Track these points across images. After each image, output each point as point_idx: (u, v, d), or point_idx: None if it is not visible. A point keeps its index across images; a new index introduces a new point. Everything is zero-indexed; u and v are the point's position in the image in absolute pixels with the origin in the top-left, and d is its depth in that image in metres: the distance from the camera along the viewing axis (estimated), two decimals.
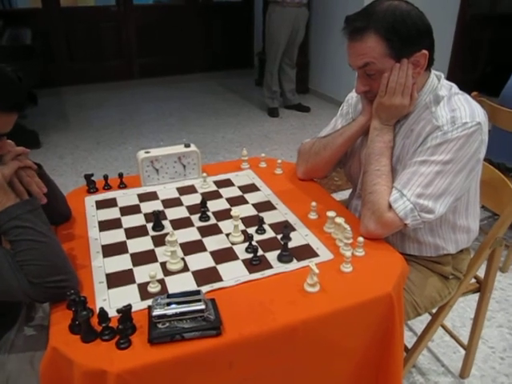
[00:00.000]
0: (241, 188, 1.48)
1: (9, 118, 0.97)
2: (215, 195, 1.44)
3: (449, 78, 1.24)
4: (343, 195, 2.64)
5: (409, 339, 1.80)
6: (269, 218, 1.29)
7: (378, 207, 1.17)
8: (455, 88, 1.23)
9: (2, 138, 1.00)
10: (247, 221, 1.28)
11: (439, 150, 1.13)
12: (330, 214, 1.23)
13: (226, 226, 1.26)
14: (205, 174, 1.49)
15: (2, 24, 4.15)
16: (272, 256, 1.14)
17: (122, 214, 1.33)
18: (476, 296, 1.58)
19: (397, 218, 1.15)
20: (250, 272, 1.08)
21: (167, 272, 1.08)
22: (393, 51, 1.13)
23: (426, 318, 1.55)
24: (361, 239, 1.13)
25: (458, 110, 1.15)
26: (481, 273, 1.51)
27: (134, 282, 1.05)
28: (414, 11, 1.14)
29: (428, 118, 1.19)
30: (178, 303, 0.91)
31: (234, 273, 1.08)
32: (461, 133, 1.12)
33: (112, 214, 1.33)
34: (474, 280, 1.53)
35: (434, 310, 1.48)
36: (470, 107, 1.15)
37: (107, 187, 1.47)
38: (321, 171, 1.48)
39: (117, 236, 1.23)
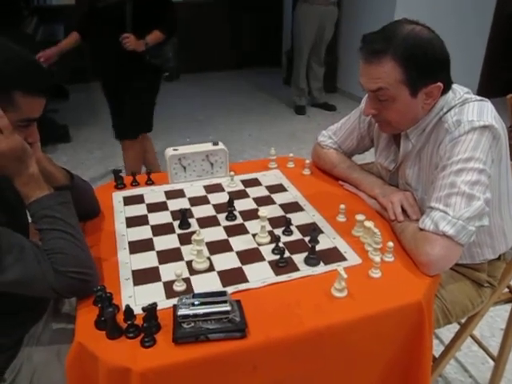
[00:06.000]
0: (268, 188, 1.47)
1: (36, 102, 0.96)
2: (242, 194, 1.43)
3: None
4: None
5: (435, 347, 1.76)
6: (296, 219, 1.27)
7: (415, 229, 1.12)
8: (473, 97, 1.18)
9: (32, 123, 0.99)
10: (274, 222, 1.26)
11: (454, 152, 1.10)
12: (359, 217, 1.20)
13: (252, 226, 1.25)
14: (232, 173, 1.48)
15: (36, 20, 4.24)
16: (299, 258, 1.12)
17: (149, 211, 1.33)
18: (506, 306, 1.53)
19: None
20: (277, 274, 1.07)
21: (193, 271, 1.08)
22: (408, 79, 1.10)
23: (453, 326, 1.50)
24: (390, 244, 1.10)
25: (464, 113, 1.12)
26: None
27: (159, 279, 1.05)
28: (436, 40, 1.11)
29: (440, 127, 1.17)
30: (204, 303, 0.90)
31: (260, 274, 1.07)
32: (468, 131, 1.08)
33: (139, 210, 1.34)
34: (506, 289, 1.48)
35: (462, 320, 1.43)
36: (480, 110, 1.12)
37: (135, 183, 1.48)
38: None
39: (143, 233, 1.23)
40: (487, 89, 4.25)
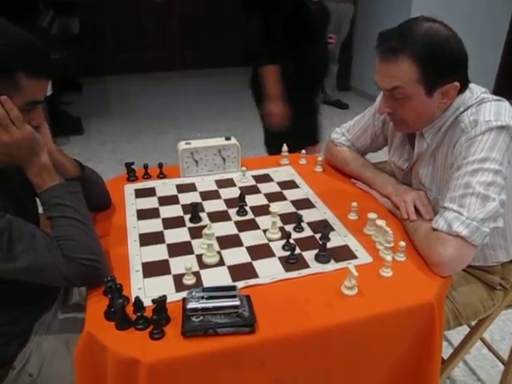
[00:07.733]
0: (280, 184, 1.46)
1: (39, 85, 0.96)
2: (254, 190, 1.42)
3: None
4: None
5: (444, 349, 1.73)
6: (307, 216, 1.27)
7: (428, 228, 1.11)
8: (490, 97, 1.16)
9: (36, 107, 1.00)
10: (285, 218, 1.25)
11: (470, 152, 1.08)
12: (371, 215, 1.19)
13: (263, 221, 1.24)
14: (244, 168, 1.48)
15: (52, 14, 4.26)
16: (309, 255, 1.11)
17: (161, 204, 1.33)
18: None
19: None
20: (287, 270, 1.06)
21: (203, 265, 1.08)
22: (425, 78, 1.08)
23: (463, 328, 1.48)
24: (402, 243, 1.09)
25: (481, 113, 1.10)
26: None
27: (169, 272, 1.05)
28: (454, 38, 1.09)
29: (456, 126, 1.15)
30: (213, 297, 0.90)
31: (269, 270, 1.06)
32: (485, 131, 1.07)
33: (150, 203, 1.34)
34: None
35: (473, 322, 1.42)
36: (497, 110, 1.10)
37: (147, 176, 1.48)
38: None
39: (154, 226, 1.23)
40: (504, 89, 4.18)
